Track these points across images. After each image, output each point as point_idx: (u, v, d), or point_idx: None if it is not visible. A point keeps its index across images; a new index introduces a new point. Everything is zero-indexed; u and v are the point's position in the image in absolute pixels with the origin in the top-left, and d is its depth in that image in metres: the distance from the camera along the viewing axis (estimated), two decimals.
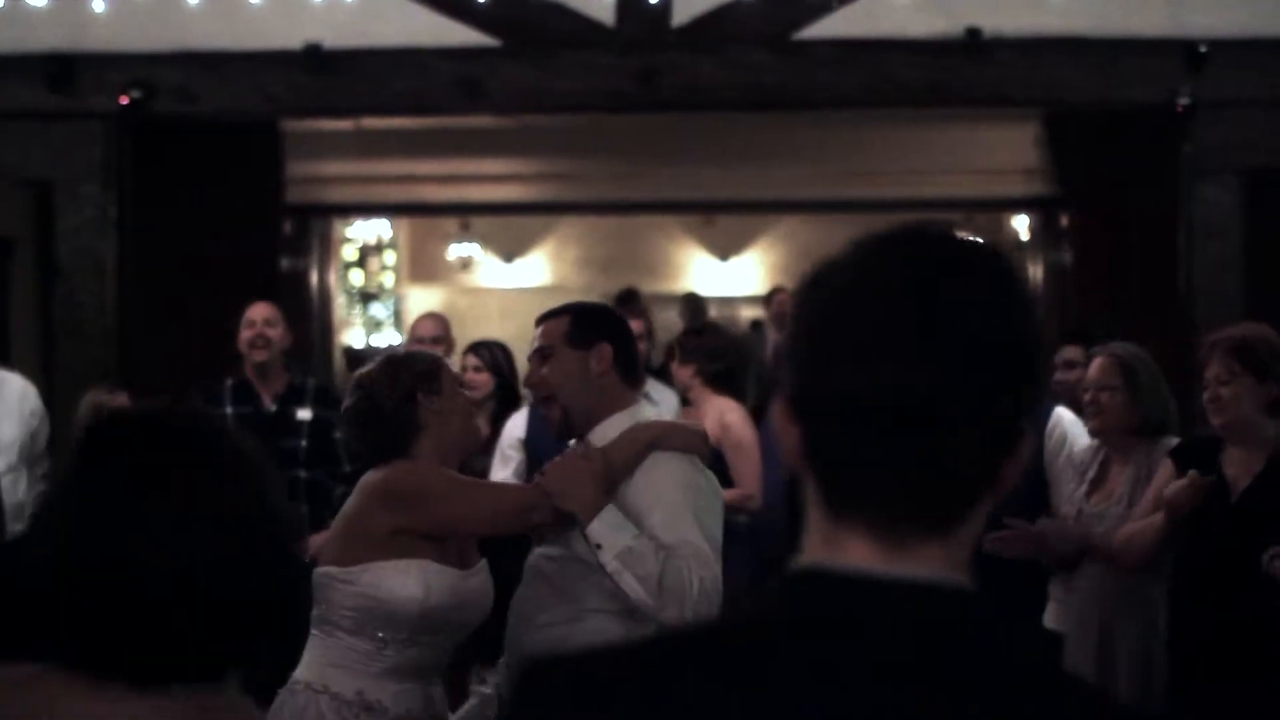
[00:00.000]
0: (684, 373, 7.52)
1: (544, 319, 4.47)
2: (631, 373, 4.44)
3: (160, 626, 1.89)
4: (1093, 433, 5.83)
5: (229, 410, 7.40)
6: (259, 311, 7.61)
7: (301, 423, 7.42)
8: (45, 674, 1.94)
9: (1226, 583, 5.12)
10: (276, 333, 7.55)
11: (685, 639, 1.57)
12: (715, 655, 1.48)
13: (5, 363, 8.21)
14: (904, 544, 1.46)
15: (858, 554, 1.47)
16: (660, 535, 4.09)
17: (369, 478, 4.36)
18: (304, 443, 7.37)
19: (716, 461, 7.28)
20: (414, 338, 8.22)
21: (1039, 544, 5.56)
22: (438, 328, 8.22)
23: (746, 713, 1.43)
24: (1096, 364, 5.77)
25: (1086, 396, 5.78)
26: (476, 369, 7.65)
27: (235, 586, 1.92)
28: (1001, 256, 1.52)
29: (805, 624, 1.46)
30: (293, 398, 7.51)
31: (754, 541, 7.52)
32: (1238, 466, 5.27)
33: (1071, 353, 7.22)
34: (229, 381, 7.55)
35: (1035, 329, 1.50)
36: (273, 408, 7.47)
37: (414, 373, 4.38)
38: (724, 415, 7.48)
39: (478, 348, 7.83)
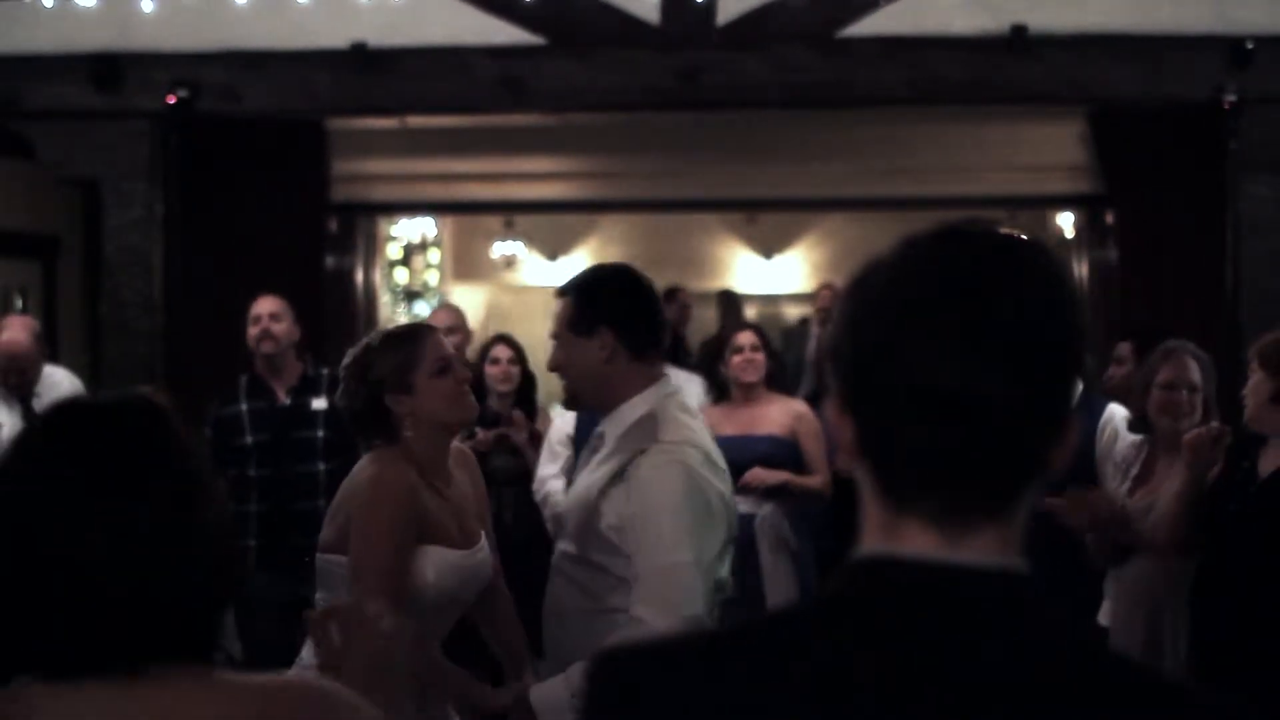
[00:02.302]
0: (758, 365, 7.54)
1: (559, 294, 4.36)
2: (644, 349, 4.25)
3: (106, 615, 1.89)
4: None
5: (244, 406, 7.43)
6: (264, 306, 7.60)
7: (317, 413, 7.42)
8: (25, 686, 1.93)
9: (1240, 575, 5.16)
10: (282, 327, 7.54)
11: (753, 628, 1.60)
12: (783, 643, 1.53)
13: (53, 360, 8.27)
14: (962, 530, 1.51)
15: (918, 541, 1.52)
16: (638, 560, 3.99)
17: (360, 466, 4.33)
18: (321, 433, 7.38)
19: (790, 451, 7.40)
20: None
21: (1093, 515, 5.63)
22: (451, 318, 8.26)
23: (816, 699, 1.47)
24: (1185, 363, 5.79)
25: (1170, 396, 5.81)
26: (511, 360, 7.69)
27: (181, 569, 1.92)
28: (1046, 251, 1.58)
29: (872, 610, 1.51)
30: (306, 389, 7.51)
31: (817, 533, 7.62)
32: (1268, 461, 5.30)
33: (1124, 349, 7.19)
34: (243, 378, 7.57)
35: (1079, 321, 1.56)
36: (287, 401, 7.48)
37: (379, 376, 4.31)
38: (793, 405, 7.63)
39: (509, 339, 7.86)
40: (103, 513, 1.90)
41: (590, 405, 4.40)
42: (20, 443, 2.02)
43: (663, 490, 4.01)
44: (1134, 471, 5.85)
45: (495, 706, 4.14)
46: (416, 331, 4.48)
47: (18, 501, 1.93)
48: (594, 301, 4.25)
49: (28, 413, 7.57)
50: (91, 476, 1.92)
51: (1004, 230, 1.58)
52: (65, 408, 2.07)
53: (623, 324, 4.21)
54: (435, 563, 4.24)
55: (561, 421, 7.49)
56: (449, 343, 4.53)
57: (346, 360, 4.43)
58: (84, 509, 1.90)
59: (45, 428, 2.03)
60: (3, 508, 1.94)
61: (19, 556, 1.91)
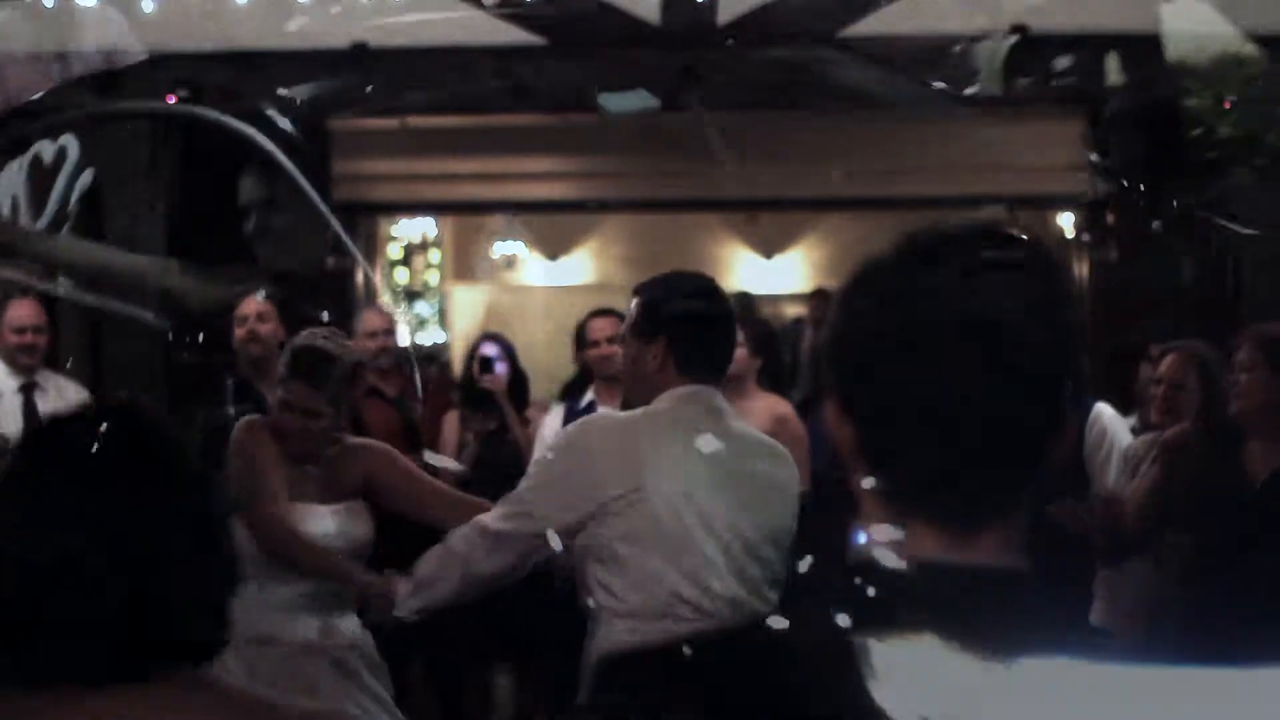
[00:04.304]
0: (740, 364, 7.49)
1: (634, 293, 4.41)
2: (694, 368, 4.21)
3: (104, 622, 1.88)
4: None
5: (231, 409, 7.43)
6: (250, 307, 7.63)
7: None
8: (20, 695, 1.91)
9: (1248, 576, 5.13)
10: (268, 328, 7.56)
11: (750, 634, 1.60)
12: (785, 649, 1.53)
13: (54, 360, 8.29)
14: (966, 533, 1.53)
15: (924, 545, 1.53)
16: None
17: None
18: None
19: None
20: (364, 331, 8.24)
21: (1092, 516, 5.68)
22: (380, 322, 8.40)
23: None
24: (1170, 361, 5.82)
25: (1161, 391, 5.85)
26: (499, 359, 7.65)
27: (177, 577, 1.92)
28: (1043, 251, 1.58)
29: (879, 613, 1.50)
30: None
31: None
32: (1257, 460, 5.26)
33: None
34: (229, 381, 7.57)
35: (1076, 320, 1.57)
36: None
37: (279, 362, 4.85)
38: (775, 409, 7.49)
39: (499, 338, 7.85)
40: (93, 518, 1.89)
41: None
42: (15, 458, 2.01)
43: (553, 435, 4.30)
44: (1144, 467, 5.85)
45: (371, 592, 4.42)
46: (307, 366, 4.86)
47: (12, 512, 1.93)
48: (660, 308, 4.26)
49: (28, 404, 7.62)
50: (79, 483, 1.91)
51: (999, 230, 1.58)
52: (55, 419, 2.08)
53: (678, 337, 4.21)
54: (300, 516, 4.71)
55: (553, 418, 7.49)
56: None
57: (302, 334, 4.94)
58: (74, 515, 1.89)
59: (36, 439, 2.03)
60: (30, 522, 1.93)
61: (15, 566, 1.90)
